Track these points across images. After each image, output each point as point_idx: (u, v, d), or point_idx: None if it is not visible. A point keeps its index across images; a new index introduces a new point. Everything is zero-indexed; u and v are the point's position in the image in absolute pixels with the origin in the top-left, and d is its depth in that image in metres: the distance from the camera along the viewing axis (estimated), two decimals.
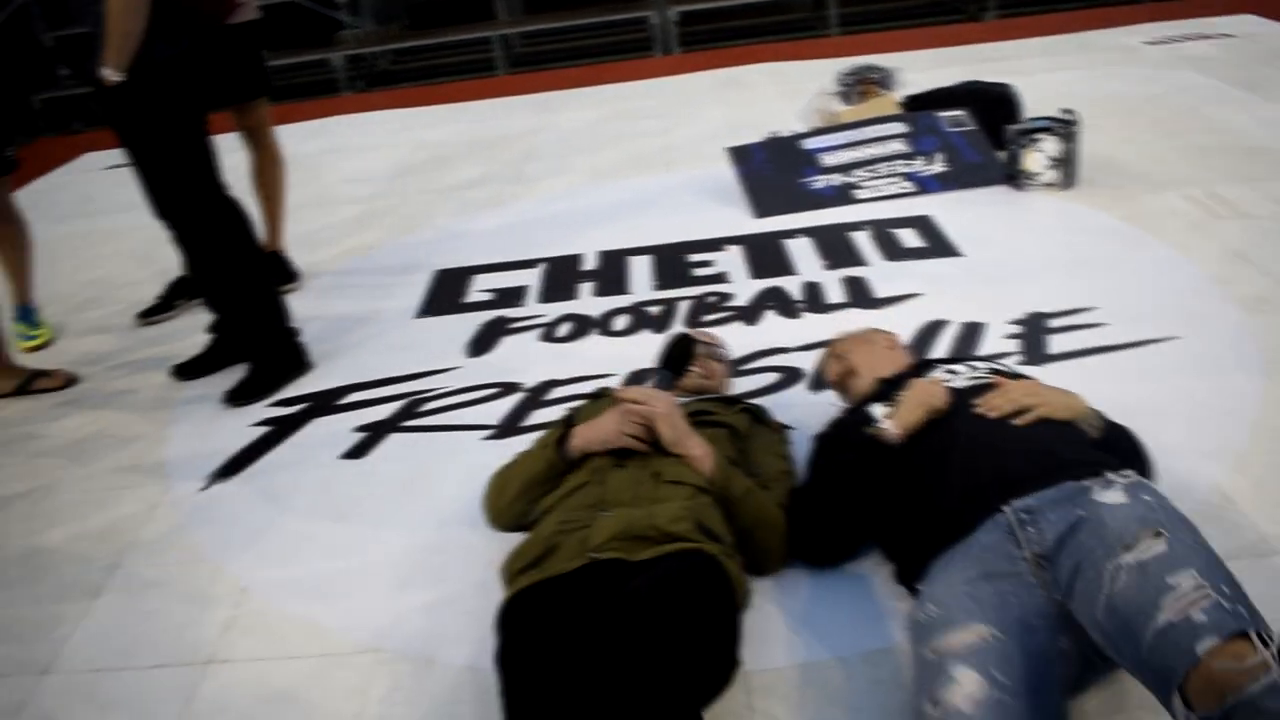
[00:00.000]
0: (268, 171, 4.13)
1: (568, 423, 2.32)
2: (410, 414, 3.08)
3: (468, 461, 2.72)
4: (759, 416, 2.51)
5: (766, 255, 3.92)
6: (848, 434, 2.20)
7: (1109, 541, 1.62)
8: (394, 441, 2.95)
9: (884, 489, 2.04)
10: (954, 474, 1.93)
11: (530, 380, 3.16)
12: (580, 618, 1.73)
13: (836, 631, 2.04)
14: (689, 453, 2.12)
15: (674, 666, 1.65)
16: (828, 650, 2.00)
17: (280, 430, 3.08)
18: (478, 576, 2.28)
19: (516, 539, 2.09)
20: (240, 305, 3.32)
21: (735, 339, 3.15)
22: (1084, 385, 2.16)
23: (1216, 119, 4.83)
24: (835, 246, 3.91)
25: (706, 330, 2.84)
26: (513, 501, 2.29)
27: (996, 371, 2.24)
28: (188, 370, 3.47)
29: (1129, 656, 1.52)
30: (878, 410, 2.16)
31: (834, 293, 3.53)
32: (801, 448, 2.44)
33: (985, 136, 4.46)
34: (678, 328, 3.37)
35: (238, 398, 3.25)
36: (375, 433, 3.00)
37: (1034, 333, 3.08)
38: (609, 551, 1.84)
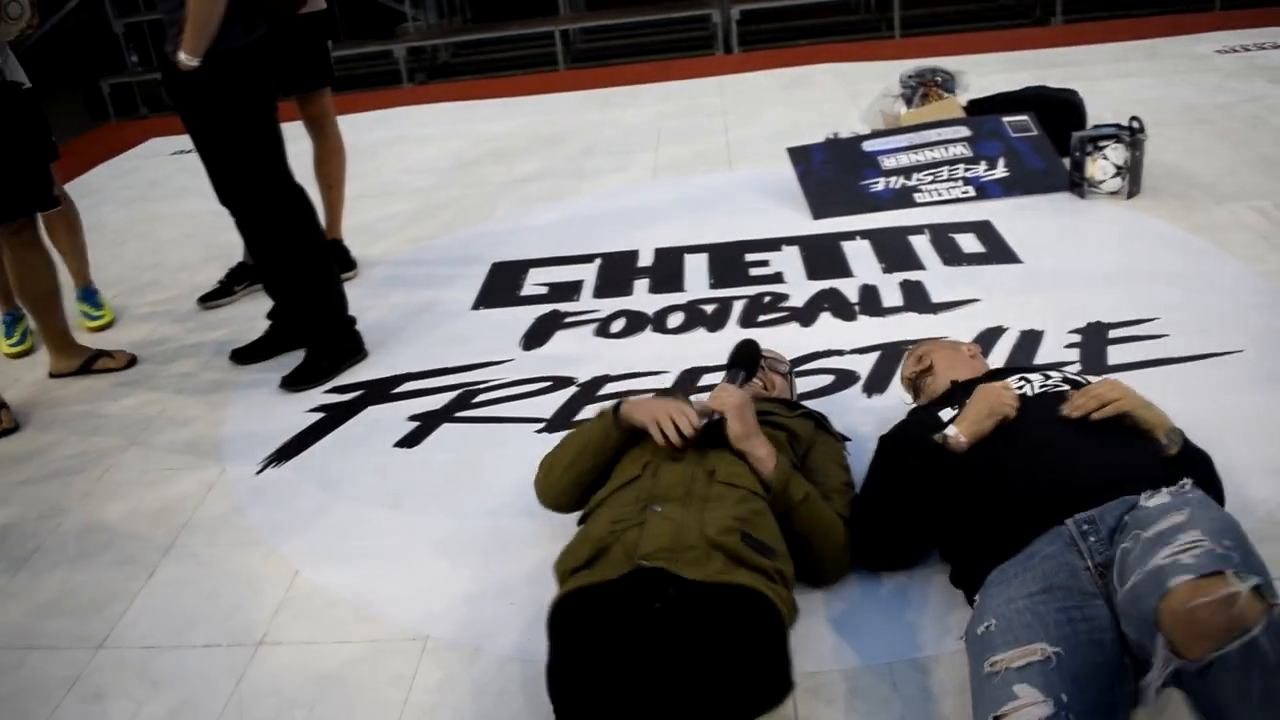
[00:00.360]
0: (329, 161, 4.17)
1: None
2: (463, 405, 3.09)
3: (519, 453, 2.72)
4: (822, 423, 2.47)
5: (824, 257, 3.89)
6: (913, 437, 2.17)
7: (1137, 531, 1.61)
8: (447, 431, 2.97)
9: (948, 494, 2.02)
10: (1016, 483, 1.90)
11: (583, 375, 3.17)
12: (628, 638, 1.71)
13: (885, 638, 2.03)
14: (754, 451, 2.09)
15: (725, 702, 1.65)
16: (876, 656, 1.98)
17: (335, 417, 3.11)
18: (527, 567, 2.30)
19: (567, 531, 2.09)
20: (300, 292, 3.36)
21: (790, 340, 3.15)
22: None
23: None
24: (893, 249, 3.87)
25: (768, 347, 2.82)
26: (563, 474, 2.27)
27: (1069, 381, 2.20)
28: (246, 355, 3.52)
29: (1129, 619, 1.51)
30: (945, 415, 2.14)
31: (891, 296, 3.50)
32: (856, 458, 2.42)
33: (1049, 142, 4.41)
34: (736, 330, 3.36)
35: (294, 383, 3.29)
36: (428, 422, 3.02)
37: (1094, 343, 3.03)
38: (656, 561, 1.83)
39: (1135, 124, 4.06)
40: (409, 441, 2.94)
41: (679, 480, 2.03)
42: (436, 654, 2.12)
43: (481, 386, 3.19)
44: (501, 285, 3.98)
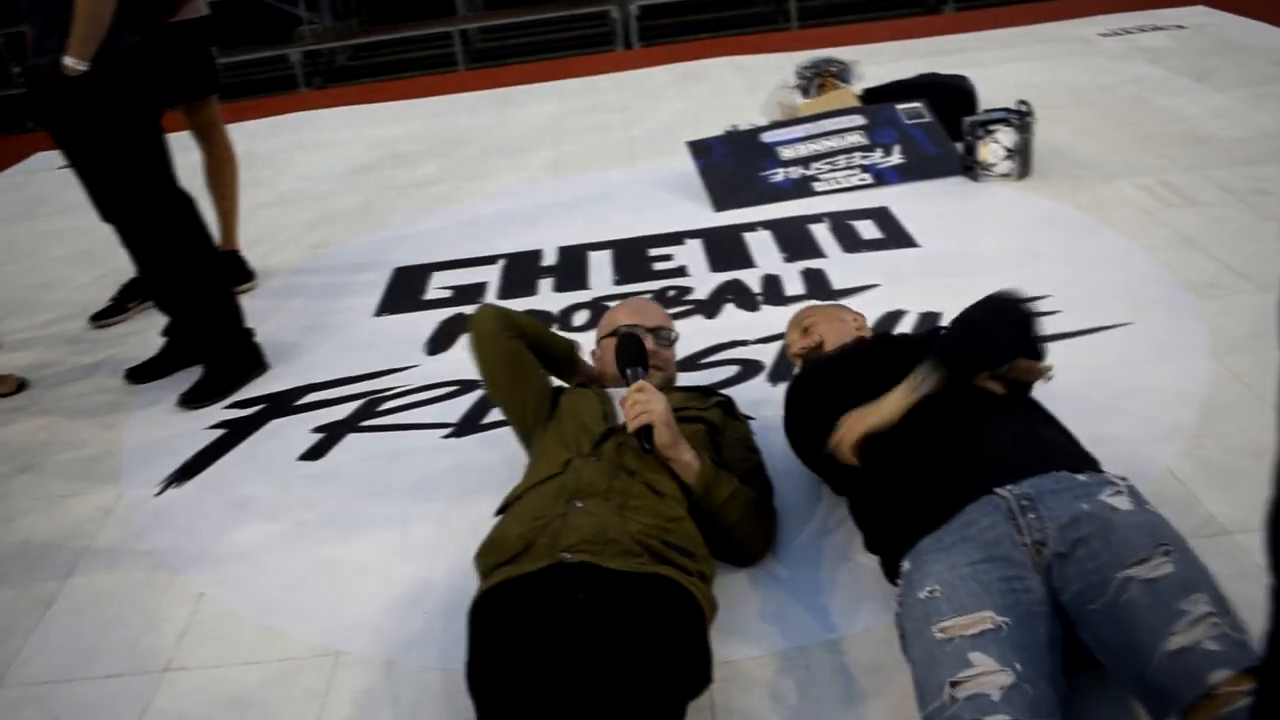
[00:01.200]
0: (220, 170, 4.08)
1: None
2: (368, 414, 3.05)
3: (426, 460, 2.70)
4: (730, 410, 2.49)
5: (726, 248, 3.92)
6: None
7: (1116, 551, 1.63)
8: (352, 442, 2.93)
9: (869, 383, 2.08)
10: (947, 452, 1.91)
11: None
12: (550, 628, 1.72)
13: (797, 623, 2.05)
14: (679, 458, 2.11)
15: (645, 696, 1.66)
16: (790, 641, 2.01)
17: (236, 432, 3.05)
18: (437, 576, 2.28)
19: (478, 536, 2.06)
20: (193, 306, 3.28)
21: (695, 332, 3.17)
22: None
23: (1167, 109, 4.87)
24: (794, 239, 3.92)
25: (646, 303, 2.77)
26: (516, 327, 2.42)
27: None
28: (141, 373, 3.43)
29: (1127, 670, 1.55)
30: None
31: (793, 285, 3.54)
32: (762, 440, 2.44)
33: (942, 128, 4.49)
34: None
35: (193, 400, 3.21)
36: (333, 433, 2.97)
37: None
38: (580, 554, 1.83)
39: (1024, 107, 4.15)
40: (313, 454, 2.89)
41: (600, 476, 2.05)
42: (349, 669, 2.09)
43: (386, 394, 3.15)
44: (404, 290, 3.93)
